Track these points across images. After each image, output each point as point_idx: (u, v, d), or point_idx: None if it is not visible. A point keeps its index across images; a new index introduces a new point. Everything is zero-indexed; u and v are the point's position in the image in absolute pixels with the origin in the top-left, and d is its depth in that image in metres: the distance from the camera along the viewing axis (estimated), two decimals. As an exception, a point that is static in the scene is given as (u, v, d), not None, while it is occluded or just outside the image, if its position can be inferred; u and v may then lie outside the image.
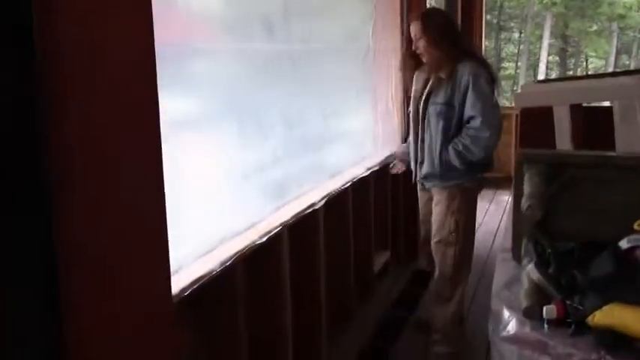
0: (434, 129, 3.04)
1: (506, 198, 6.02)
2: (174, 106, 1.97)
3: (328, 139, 3.18)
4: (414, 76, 3.22)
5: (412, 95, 3.25)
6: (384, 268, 3.97)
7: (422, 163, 3.13)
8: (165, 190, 1.52)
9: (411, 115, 3.27)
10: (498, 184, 6.18)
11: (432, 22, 3.08)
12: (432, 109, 3.05)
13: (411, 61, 3.21)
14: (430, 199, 3.22)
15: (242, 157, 2.43)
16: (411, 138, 3.29)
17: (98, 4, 1.26)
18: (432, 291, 3.26)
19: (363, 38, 3.70)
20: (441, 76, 3.00)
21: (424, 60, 3.10)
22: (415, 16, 3.15)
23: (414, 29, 3.08)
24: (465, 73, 2.96)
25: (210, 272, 1.97)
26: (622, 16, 19.42)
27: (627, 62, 21.68)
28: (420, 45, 3.05)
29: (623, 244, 1.77)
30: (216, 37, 2.30)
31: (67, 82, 1.18)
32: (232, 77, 2.36)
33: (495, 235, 4.88)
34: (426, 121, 3.08)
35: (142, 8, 1.39)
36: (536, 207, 1.76)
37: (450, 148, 2.99)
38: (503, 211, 5.64)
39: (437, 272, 3.16)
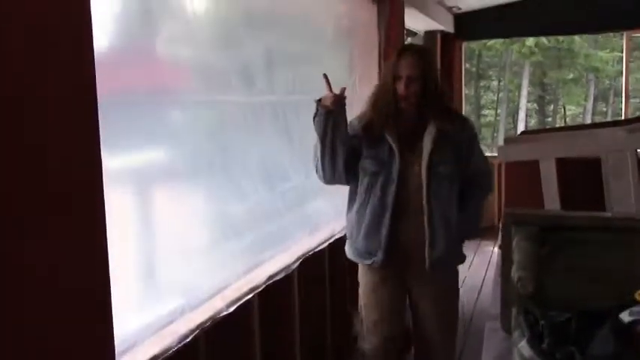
0: (446, 196, 2.36)
1: (490, 249, 5.86)
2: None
3: (303, 196, 3.01)
4: (386, 135, 2.36)
5: (372, 166, 2.37)
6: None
7: (432, 245, 2.35)
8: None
9: (377, 197, 2.35)
10: (482, 234, 6.02)
11: (434, 60, 2.47)
12: (442, 171, 2.34)
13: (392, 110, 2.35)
14: (400, 286, 2.50)
15: (213, 215, 2.28)
16: (363, 230, 2.41)
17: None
18: None
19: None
20: (447, 128, 2.34)
21: (407, 108, 2.34)
22: (411, 50, 2.40)
23: (411, 66, 2.30)
24: (466, 123, 2.50)
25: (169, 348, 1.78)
26: (597, 69, 19.79)
27: (604, 109, 21.93)
28: (415, 88, 2.30)
29: (625, 317, 1.59)
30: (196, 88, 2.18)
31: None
32: (205, 129, 2.23)
33: (480, 292, 4.69)
34: (431, 189, 2.34)
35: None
36: (527, 279, 1.58)
37: (466, 215, 2.43)
38: (488, 263, 5.47)
39: None
